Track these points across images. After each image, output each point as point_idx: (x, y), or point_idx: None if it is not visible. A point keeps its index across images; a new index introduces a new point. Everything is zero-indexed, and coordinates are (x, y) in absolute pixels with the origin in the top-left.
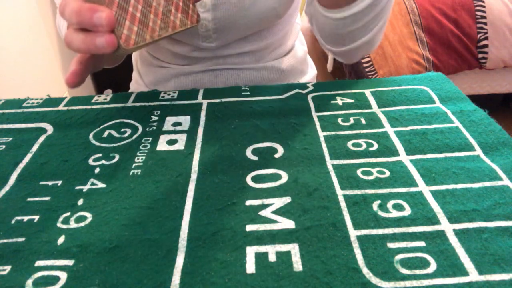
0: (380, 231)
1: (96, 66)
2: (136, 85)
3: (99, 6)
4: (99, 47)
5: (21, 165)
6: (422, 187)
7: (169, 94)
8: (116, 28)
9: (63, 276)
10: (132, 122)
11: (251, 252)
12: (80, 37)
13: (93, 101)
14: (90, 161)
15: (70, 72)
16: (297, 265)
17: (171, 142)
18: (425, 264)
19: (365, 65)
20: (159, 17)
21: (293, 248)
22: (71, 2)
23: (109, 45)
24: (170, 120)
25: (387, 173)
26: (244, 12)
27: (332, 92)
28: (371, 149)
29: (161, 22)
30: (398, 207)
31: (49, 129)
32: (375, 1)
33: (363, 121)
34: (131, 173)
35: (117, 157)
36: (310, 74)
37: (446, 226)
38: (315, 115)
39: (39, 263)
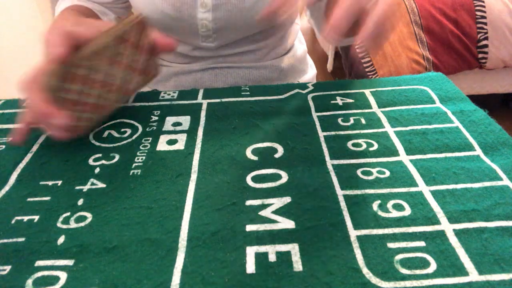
0: (380, 231)
1: None
2: None
3: (56, 111)
4: (47, 131)
5: (21, 165)
6: (422, 187)
7: (169, 94)
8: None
9: (63, 276)
10: (132, 122)
11: (251, 252)
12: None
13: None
14: (90, 161)
15: (17, 132)
16: (297, 265)
17: (171, 142)
18: (425, 264)
19: (365, 65)
20: (114, 92)
21: (293, 248)
22: (33, 94)
23: (57, 138)
24: (170, 120)
25: (387, 173)
26: (245, 13)
27: (332, 92)
28: (371, 149)
29: (116, 95)
30: (398, 207)
31: None
32: None
33: (363, 121)
34: (131, 173)
35: (117, 157)
36: (310, 74)
37: (446, 226)
38: (315, 115)
39: (39, 263)
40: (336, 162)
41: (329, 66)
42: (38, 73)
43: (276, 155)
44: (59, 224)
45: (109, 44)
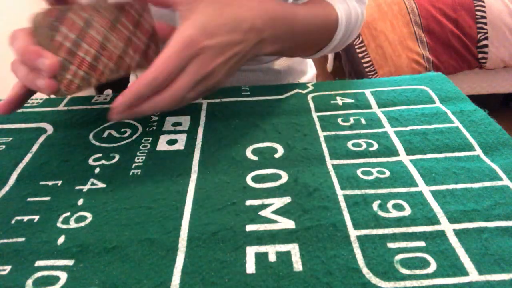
0: (380, 231)
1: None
2: None
3: (44, 52)
4: (39, 88)
5: (21, 165)
6: (422, 187)
7: None
8: (59, 73)
9: (63, 276)
10: (132, 122)
11: (251, 252)
12: (23, 71)
13: (93, 101)
14: (90, 161)
15: (5, 100)
16: (297, 265)
17: (171, 142)
18: (425, 264)
19: (365, 65)
20: (113, 60)
21: (293, 248)
22: (20, 38)
23: (48, 88)
24: (170, 120)
25: (387, 173)
26: None
27: (332, 92)
28: (371, 149)
29: (114, 65)
30: (398, 207)
31: (49, 129)
32: (343, 38)
33: (363, 121)
34: (131, 173)
35: (117, 157)
36: (309, 74)
37: (446, 226)
38: (315, 115)
39: (39, 263)
40: (336, 162)
41: (329, 66)
42: (30, 17)
43: (276, 155)
44: (59, 224)
45: (110, 7)
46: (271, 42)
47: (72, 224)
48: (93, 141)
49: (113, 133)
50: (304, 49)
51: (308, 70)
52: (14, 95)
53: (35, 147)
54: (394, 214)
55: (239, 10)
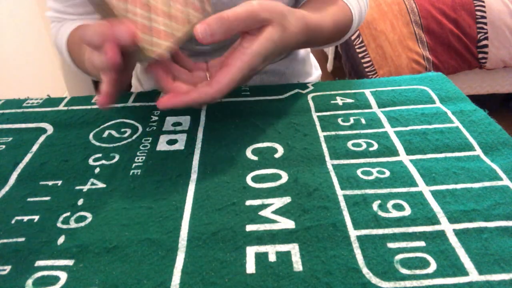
0: (380, 231)
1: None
2: (136, 91)
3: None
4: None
5: (21, 165)
6: (422, 187)
7: None
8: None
9: (63, 276)
10: (132, 122)
11: (251, 252)
12: (101, 56)
13: (93, 101)
14: (90, 161)
15: (103, 93)
16: (297, 265)
17: (171, 142)
18: (425, 264)
19: (365, 65)
20: (184, 24)
21: (293, 248)
22: (90, 26)
23: (129, 37)
24: (170, 120)
25: (387, 173)
26: None
27: (332, 92)
28: (371, 149)
29: (185, 27)
30: (398, 207)
31: (49, 129)
32: (351, 34)
33: (363, 121)
34: (131, 173)
35: (117, 157)
36: (314, 76)
37: (446, 226)
38: (315, 115)
39: (39, 263)
40: (336, 162)
41: (329, 66)
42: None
43: (276, 155)
44: (59, 224)
45: None
46: (295, 49)
47: (72, 224)
48: (93, 141)
49: (113, 133)
50: (314, 47)
51: (313, 72)
52: (108, 89)
53: (35, 147)
54: (394, 214)
55: (289, 37)
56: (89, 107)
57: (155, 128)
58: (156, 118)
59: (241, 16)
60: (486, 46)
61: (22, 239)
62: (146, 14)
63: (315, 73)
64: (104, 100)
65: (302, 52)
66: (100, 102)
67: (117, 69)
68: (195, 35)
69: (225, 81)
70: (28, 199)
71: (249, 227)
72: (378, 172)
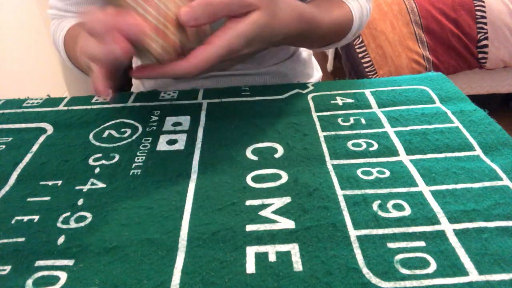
0: (380, 231)
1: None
2: (137, 90)
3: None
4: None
5: (21, 165)
6: (422, 187)
7: (169, 94)
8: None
9: (63, 276)
10: (132, 122)
11: (251, 252)
12: (102, 45)
13: (93, 101)
14: (90, 161)
15: (101, 85)
16: (297, 265)
17: (171, 142)
18: (425, 264)
19: (365, 65)
20: (176, 26)
21: (293, 248)
22: (93, 12)
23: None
24: (170, 120)
25: (387, 173)
26: None
27: (332, 92)
28: (371, 149)
29: (176, 29)
30: (398, 207)
31: (49, 129)
32: (350, 37)
33: (363, 121)
34: (131, 173)
35: (117, 157)
36: (315, 77)
37: (446, 226)
38: (315, 115)
39: (39, 263)
40: (336, 162)
41: (329, 66)
42: None
43: (276, 155)
44: (59, 224)
45: None
46: (290, 42)
47: (72, 224)
48: (93, 141)
49: (113, 133)
50: (312, 46)
51: (314, 74)
52: (100, 76)
53: (35, 147)
54: (394, 214)
55: (279, 24)
56: (89, 107)
57: (155, 128)
58: (156, 118)
59: (226, 0)
60: (486, 46)
61: (22, 239)
62: (158, 17)
63: (316, 74)
64: (100, 88)
65: (305, 53)
66: (99, 92)
67: (115, 61)
68: (178, 18)
69: (202, 56)
70: (28, 199)
71: (249, 227)
72: (378, 172)
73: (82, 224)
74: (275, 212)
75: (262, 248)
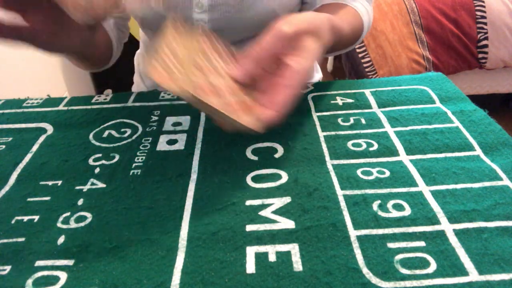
0: (380, 231)
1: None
2: (138, 88)
3: None
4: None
5: (21, 165)
6: (422, 187)
7: (169, 94)
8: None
9: (63, 276)
10: (132, 122)
11: (251, 252)
12: None
13: (93, 101)
14: (90, 161)
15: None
16: (297, 265)
17: (171, 142)
18: (425, 264)
19: (365, 65)
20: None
21: (293, 248)
22: None
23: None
24: (170, 120)
25: (387, 173)
26: (243, 14)
27: (332, 92)
28: (371, 149)
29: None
30: (398, 207)
31: (49, 129)
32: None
33: (363, 121)
34: (131, 173)
35: (117, 157)
36: (316, 78)
37: (446, 226)
38: (315, 115)
39: (39, 263)
40: (336, 162)
41: (329, 66)
42: None
43: (276, 155)
44: (59, 224)
45: None
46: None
47: (72, 224)
48: (93, 141)
49: (113, 133)
50: (330, 53)
51: (314, 74)
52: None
53: (35, 147)
54: (394, 214)
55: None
56: (89, 107)
57: (155, 128)
58: (156, 118)
59: (264, 42)
60: (486, 46)
61: (22, 239)
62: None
63: (316, 76)
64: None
65: None
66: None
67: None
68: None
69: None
70: (28, 199)
71: (249, 227)
72: (378, 172)
73: (82, 224)
74: (275, 212)
75: (262, 248)
